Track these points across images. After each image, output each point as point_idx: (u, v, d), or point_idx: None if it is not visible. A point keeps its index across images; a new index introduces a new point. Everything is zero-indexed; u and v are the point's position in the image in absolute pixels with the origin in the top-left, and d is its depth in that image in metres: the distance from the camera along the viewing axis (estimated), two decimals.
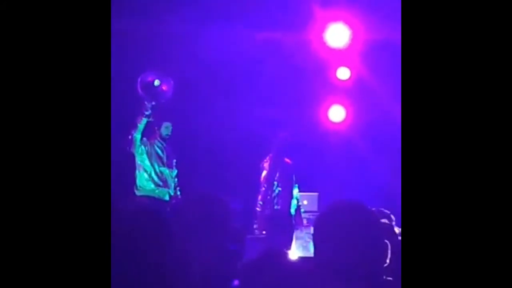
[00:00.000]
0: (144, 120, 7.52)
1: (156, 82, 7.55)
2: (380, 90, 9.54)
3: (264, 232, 8.62)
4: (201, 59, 9.33)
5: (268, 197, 8.45)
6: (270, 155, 8.51)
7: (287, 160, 8.57)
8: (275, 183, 8.46)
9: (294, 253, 8.36)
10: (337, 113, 10.59)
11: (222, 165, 9.75)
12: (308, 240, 8.93)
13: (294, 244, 8.51)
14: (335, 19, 9.91)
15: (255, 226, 8.74)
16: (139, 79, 7.44)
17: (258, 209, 8.43)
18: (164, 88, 7.59)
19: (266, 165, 8.50)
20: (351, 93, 10.40)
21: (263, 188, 8.43)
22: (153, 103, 7.51)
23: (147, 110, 7.47)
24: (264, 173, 8.50)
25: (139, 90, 7.38)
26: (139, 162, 7.67)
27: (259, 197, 8.42)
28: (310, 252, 8.74)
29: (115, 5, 8.21)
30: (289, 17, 9.43)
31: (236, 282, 2.75)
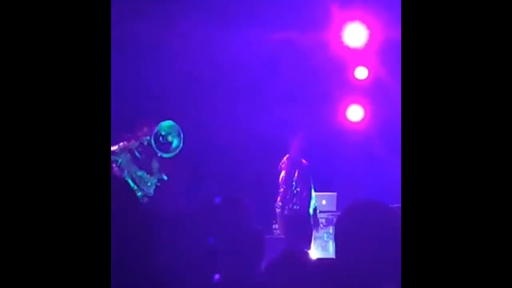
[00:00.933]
0: (135, 144, 7.57)
1: (170, 138, 7.64)
2: (398, 89, 9.50)
3: (280, 232, 8.63)
4: (217, 60, 9.36)
5: (287, 197, 8.46)
6: (288, 155, 8.51)
7: (304, 161, 8.57)
8: (294, 183, 8.46)
9: (314, 253, 8.36)
10: (355, 113, 10.57)
11: (239, 166, 9.76)
12: (327, 240, 8.93)
13: (313, 243, 8.51)
14: (353, 18, 9.90)
15: (274, 226, 8.76)
16: (156, 129, 7.52)
17: (277, 210, 8.44)
18: (173, 145, 7.67)
19: (284, 165, 8.51)
20: (369, 93, 10.38)
21: (282, 189, 8.44)
22: (159, 154, 7.60)
23: (143, 143, 7.54)
24: (282, 173, 8.51)
25: (152, 139, 7.47)
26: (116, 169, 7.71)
27: (278, 198, 8.43)
28: (329, 252, 8.76)
29: (130, 6, 8.27)
30: (307, 17, 9.43)
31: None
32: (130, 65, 8.79)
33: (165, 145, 7.64)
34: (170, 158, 7.76)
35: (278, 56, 9.69)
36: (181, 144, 7.65)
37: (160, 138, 7.58)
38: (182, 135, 7.64)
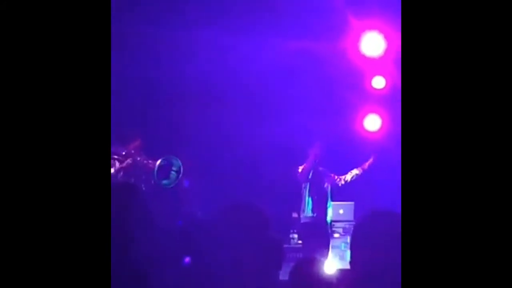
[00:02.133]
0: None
1: (172, 173, 7.94)
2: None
3: (300, 242, 8.63)
4: (234, 68, 9.39)
5: (304, 206, 8.46)
6: (305, 164, 8.51)
7: (321, 169, 8.57)
8: (311, 192, 8.46)
9: (331, 262, 8.34)
10: (372, 122, 10.54)
11: (257, 174, 9.77)
12: (344, 249, 8.90)
13: (330, 252, 8.49)
14: (370, 27, 9.89)
15: (291, 236, 8.76)
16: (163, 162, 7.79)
17: (294, 217, 8.45)
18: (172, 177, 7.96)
19: (301, 174, 8.50)
20: (387, 102, 10.35)
21: (302, 198, 8.46)
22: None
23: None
24: (300, 182, 8.52)
25: (156, 170, 7.75)
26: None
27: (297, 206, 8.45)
28: (347, 262, 8.72)
29: (146, 13, 8.27)
30: (324, 26, 9.43)
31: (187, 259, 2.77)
32: (145, 71, 8.85)
33: (169, 177, 7.91)
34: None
35: (295, 65, 9.70)
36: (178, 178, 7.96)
37: (164, 172, 7.86)
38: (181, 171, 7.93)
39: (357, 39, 9.94)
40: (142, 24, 8.68)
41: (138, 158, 7.81)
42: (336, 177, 8.77)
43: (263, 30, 9.23)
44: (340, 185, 8.82)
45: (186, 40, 9.12)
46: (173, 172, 7.87)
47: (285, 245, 7.50)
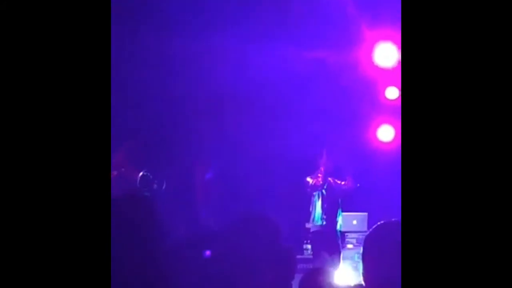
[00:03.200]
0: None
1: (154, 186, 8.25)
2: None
3: (311, 252, 8.62)
4: (247, 77, 9.41)
5: (314, 214, 8.46)
6: (317, 174, 8.51)
7: (331, 179, 8.57)
8: (322, 201, 8.47)
9: (344, 273, 8.32)
10: (386, 133, 10.53)
11: (268, 184, 9.77)
12: (357, 260, 8.88)
13: (343, 264, 8.47)
14: (384, 38, 9.89)
15: (304, 246, 8.75)
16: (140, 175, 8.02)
17: (307, 227, 8.46)
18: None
19: (313, 184, 8.50)
20: (400, 113, 10.32)
21: (311, 207, 8.45)
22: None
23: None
24: (311, 191, 8.52)
25: (138, 181, 8.01)
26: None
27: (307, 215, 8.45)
28: (360, 273, 8.71)
29: (158, 21, 8.31)
30: (338, 36, 9.44)
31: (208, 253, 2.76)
32: (155, 78, 8.91)
33: (151, 185, 8.12)
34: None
35: (309, 75, 9.72)
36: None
37: (146, 182, 8.06)
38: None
39: (370, 50, 9.95)
40: (160, 33, 8.73)
41: (123, 169, 7.98)
42: (345, 184, 8.76)
43: (276, 40, 9.25)
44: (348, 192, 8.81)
45: (199, 47, 9.16)
46: (155, 185, 8.07)
47: (298, 256, 7.51)
